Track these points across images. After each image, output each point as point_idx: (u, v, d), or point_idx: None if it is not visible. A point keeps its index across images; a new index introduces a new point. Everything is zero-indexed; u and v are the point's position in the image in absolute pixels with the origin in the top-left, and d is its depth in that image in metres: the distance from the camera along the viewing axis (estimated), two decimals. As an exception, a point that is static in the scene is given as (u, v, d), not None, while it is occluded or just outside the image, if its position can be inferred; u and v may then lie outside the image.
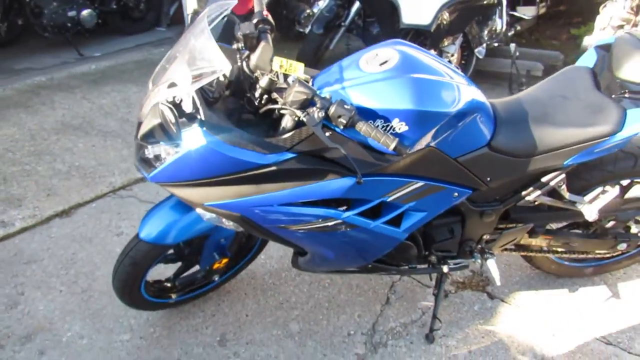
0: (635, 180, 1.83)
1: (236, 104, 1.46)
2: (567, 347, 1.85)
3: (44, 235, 2.55)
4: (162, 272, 2.01)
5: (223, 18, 1.57)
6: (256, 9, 1.58)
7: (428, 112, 1.36)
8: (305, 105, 1.29)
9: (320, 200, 1.44)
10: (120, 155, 3.23)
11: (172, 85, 1.32)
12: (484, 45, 4.10)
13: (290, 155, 1.34)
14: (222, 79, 1.44)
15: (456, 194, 1.58)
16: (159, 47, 5.47)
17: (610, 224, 1.85)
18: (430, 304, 2.04)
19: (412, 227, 1.61)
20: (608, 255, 2.03)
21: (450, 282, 2.16)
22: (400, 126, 1.36)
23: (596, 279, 2.15)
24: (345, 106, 1.25)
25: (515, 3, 4.82)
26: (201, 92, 1.36)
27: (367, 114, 1.34)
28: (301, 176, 1.38)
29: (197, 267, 1.95)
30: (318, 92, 1.31)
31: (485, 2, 3.71)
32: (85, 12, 5.19)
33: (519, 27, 4.82)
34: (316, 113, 1.26)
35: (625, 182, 1.86)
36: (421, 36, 3.81)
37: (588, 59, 1.70)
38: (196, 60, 1.28)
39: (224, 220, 1.50)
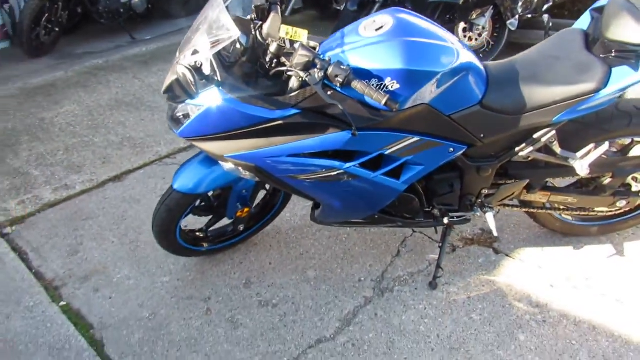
0: (636, 139, 1.91)
1: (252, 68, 1.67)
2: (563, 298, 1.97)
3: (99, 197, 2.89)
4: (195, 223, 2.27)
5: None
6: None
7: (417, 71, 1.51)
8: (308, 67, 1.47)
9: (324, 152, 1.63)
10: (165, 128, 3.53)
11: (195, 52, 1.55)
12: (517, 17, 4.10)
13: (295, 111, 1.54)
14: (238, 46, 1.66)
15: (452, 149, 1.73)
16: (205, 29, 5.76)
17: (608, 181, 1.94)
18: (436, 257, 2.20)
19: (411, 179, 1.77)
20: (613, 214, 2.12)
21: (460, 238, 2.31)
22: (392, 84, 1.52)
23: (603, 238, 2.23)
24: (342, 67, 1.43)
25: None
26: (219, 57, 1.58)
27: (363, 74, 1.51)
28: (305, 130, 1.57)
29: (225, 221, 2.20)
30: (321, 55, 1.49)
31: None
32: (136, -1, 5.55)
33: (556, -1, 4.75)
34: (317, 73, 1.44)
35: (626, 141, 1.95)
36: (452, 9, 3.87)
37: (583, 22, 1.79)
38: (213, 29, 1.50)
39: (241, 170, 1.73)
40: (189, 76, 1.46)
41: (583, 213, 2.07)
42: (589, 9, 1.79)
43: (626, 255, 2.14)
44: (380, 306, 1.99)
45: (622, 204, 1.98)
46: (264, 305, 2.05)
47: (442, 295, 2.02)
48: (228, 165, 1.75)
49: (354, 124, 1.50)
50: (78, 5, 5.64)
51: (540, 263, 2.14)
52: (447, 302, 1.99)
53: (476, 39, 4.17)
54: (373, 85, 1.50)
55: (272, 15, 1.57)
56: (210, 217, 2.18)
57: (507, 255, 2.20)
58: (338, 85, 1.44)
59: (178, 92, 1.44)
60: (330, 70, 1.43)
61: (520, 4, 4.35)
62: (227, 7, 1.72)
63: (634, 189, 1.99)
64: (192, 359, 1.85)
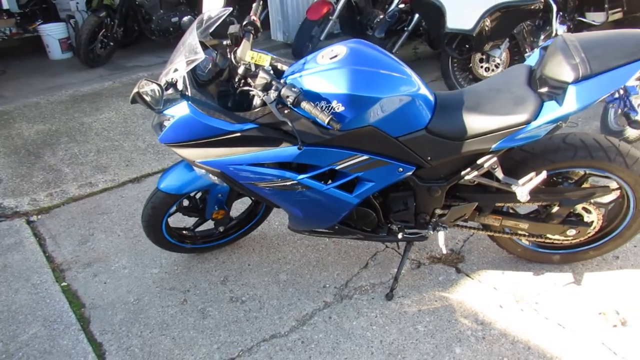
0: (589, 172, 1.98)
1: (225, 87, 1.92)
2: (508, 318, 2.05)
3: (117, 195, 3.22)
4: (188, 222, 2.52)
5: (227, 19, 2.01)
6: (252, 15, 1.98)
7: (359, 96, 1.69)
8: (267, 88, 1.70)
9: (282, 163, 1.84)
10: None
11: (176, 70, 1.81)
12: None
13: (252, 125, 1.76)
14: (213, 67, 1.90)
15: (401, 169, 1.89)
16: (244, 49, 6.14)
17: (556, 209, 2.02)
18: (402, 272, 2.34)
19: (363, 194, 1.94)
20: (573, 244, 2.18)
21: (428, 256, 2.43)
22: (338, 106, 1.71)
23: (566, 266, 2.29)
24: (293, 89, 1.63)
25: (584, 9, 4.78)
26: (193, 75, 1.83)
27: (315, 96, 1.71)
28: (262, 142, 1.78)
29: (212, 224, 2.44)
30: (284, 78, 1.71)
31: (531, 8, 3.80)
32: (185, 19, 6.03)
33: (586, 33, 4.76)
34: (272, 94, 1.66)
35: (579, 173, 2.03)
36: (468, 40, 4.00)
37: (533, 58, 1.91)
38: (186, 51, 1.76)
39: (210, 175, 1.97)
40: (155, 90, 1.71)
41: (539, 240, 2.15)
42: (540, 46, 1.91)
43: (582, 284, 2.19)
44: (335, 311, 2.15)
45: (572, 232, 2.05)
46: (234, 300, 2.26)
47: (394, 306, 2.15)
48: (200, 170, 1.99)
49: (300, 139, 1.70)
50: (134, 23, 6.20)
51: (497, 285, 2.22)
52: (398, 312, 2.12)
53: (492, 70, 4.27)
54: (322, 106, 1.70)
55: (243, 41, 1.81)
56: (197, 217, 2.42)
57: (467, 275, 2.29)
58: (289, 104, 1.65)
59: (140, 103, 1.69)
60: (283, 91, 1.64)
61: (542, 37, 4.42)
62: (211, 32, 1.99)
63: (585, 219, 2.06)
64: (161, 341, 2.07)
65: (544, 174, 1.83)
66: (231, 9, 2.02)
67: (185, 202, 2.34)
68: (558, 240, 2.12)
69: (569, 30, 4.55)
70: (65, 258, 2.63)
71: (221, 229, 2.40)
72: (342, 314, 2.14)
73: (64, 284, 2.44)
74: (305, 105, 1.61)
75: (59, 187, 3.30)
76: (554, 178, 2.08)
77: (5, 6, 6.34)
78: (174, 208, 2.27)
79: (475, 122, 1.78)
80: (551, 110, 1.68)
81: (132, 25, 6.27)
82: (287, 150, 1.78)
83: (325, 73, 1.74)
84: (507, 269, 2.31)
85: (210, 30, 1.92)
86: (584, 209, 2.04)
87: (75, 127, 4.10)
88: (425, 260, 2.41)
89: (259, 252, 2.57)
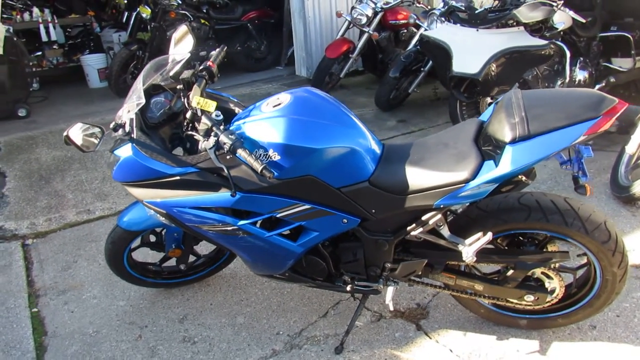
0: (550, 235, 1.86)
1: (176, 129, 1.96)
2: (463, 385, 1.92)
3: (111, 223, 3.29)
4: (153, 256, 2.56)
5: (192, 63, 2.06)
6: (209, 61, 2.03)
7: (294, 146, 1.68)
8: (208, 133, 1.72)
9: (224, 207, 1.84)
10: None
11: (129, 111, 1.87)
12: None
13: (192, 169, 1.77)
14: (167, 110, 1.95)
15: (345, 220, 1.84)
16: (267, 83, 6.29)
17: (510, 272, 1.89)
18: (360, 324, 2.25)
19: (307, 243, 1.91)
20: (539, 309, 2.03)
21: (392, 310, 2.33)
22: (274, 155, 1.70)
23: (534, 333, 2.13)
24: (230, 135, 1.64)
25: (610, 54, 4.59)
26: (143, 117, 1.88)
27: (253, 144, 1.71)
28: (202, 186, 1.79)
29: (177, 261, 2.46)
30: (230, 125, 1.74)
31: (541, 53, 3.68)
32: (213, 52, 6.23)
33: (613, 80, 4.56)
34: (211, 139, 1.68)
35: (540, 235, 1.91)
36: (476, 84, 3.91)
37: (487, 113, 1.83)
38: (134, 95, 1.81)
39: (158, 215, 1.99)
40: (95, 133, 1.77)
41: (500, 302, 2.02)
42: (495, 101, 1.83)
43: (548, 354, 2.02)
44: (281, 360, 2.10)
45: (529, 298, 1.91)
46: (186, 341, 2.25)
47: (342, 361, 2.07)
48: (149, 210, 2.02)
49: (234, 186, 1.70)
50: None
51: (455, 347, 2.10)
52: (344, 368, 2.03)
53: (504, 114, 4.13)
54: (260, 154, 1.70)
55: (194, 87, 1.85)
56: (163, 253, 2.45)
57: (426, 334, 2.18)
58: (225, 150, 1.66)
59: (71, 144, 1.74)
60: (221, 137, 1.65)
61: (559, 83, 4.27)
62: (171, 75, 2.03)
63: (546, 285, 1.91)
64: (104, 377, 2.08)
65: (489, 235, 1.73)
66: (189, 54, 2.05)
67: (152, 238, 2.38)
68: (519, 304, 1.98)
69: (591, 76, 4.38)
70: (44, 283, 2.72)
71: (182, 266, 2.41)
72: (287, 364, 2.08)
73: (34, 309, 2.51)
74: (241, 152, 1.61)
75: (59, 213, 3.44)
76: (520, 238, 1.97)
77: (54, 38, 6.80)
78: (137, 242, 2.30)
79: (417, 177, 1.72)
80: (488, 170, 1.60)
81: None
82: (224, 196, 1.78)
83: (265, 121, 1.74)
84: (470, 330, 2.18)
85: (171, 74, 1.96)
86: (544, 274, 1.90)
87: (88, 155, 4.28)
88: (388, 313, 2.31)
89: (224, 292, 2.55)
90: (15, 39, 5.25)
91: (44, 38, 6.63)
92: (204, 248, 2.56)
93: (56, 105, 5.93)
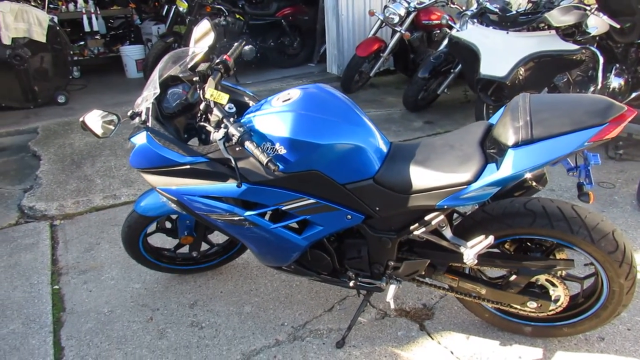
0: (559, 243, 1.83)
1: (191, 119, 2.02)
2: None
3: (135, 209, 3.42)
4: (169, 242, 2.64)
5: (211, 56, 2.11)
6: (226, 54, 2.08)
7: (299, 141, 1.71)
8: (219, 125, 1.77)
9: (233, 198, 1.89)
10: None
11: (147, 100, 1.94)
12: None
13: (202, 159, 1.83)
14: (183, 101, 2.01)
15: (349, 216, 1.87)
16: (298, 79, 6.34)
17: (513, 278, 1.87)
18: (364, 321, 2.27)
19: (312, 237, 1.94)
20: (544, 317, 2.00)
21: (397, 308, 2.34)
22: (280, 149, 1.74)
23: (539, 341, 2.10)
24: (239, 128, 1.69)
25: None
26: (159, 107, 1.95)
27: (261, 137, 1.76)
28: (211, 176, 1.85)
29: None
30: (241, 117, 1.79)
31: (572, 58, 3.59)
32: (246, 48, 6.33)
33: (648, 87, 4.41)
34: (221, 131, 1.74)
35: (547, 242, 1.88)
36: (503, 88, 3.85)
37: (496, 116, 1.81)
38: (150, 85, 1.88)
39: (169, 202, 2.06)
40: (112, 120, 1.85)
41: (504, 308, 2.00)
42: (505, 105, 1.81)
43: (550, 364, 2.00)
44: (282, 351, 2.13)
45: (532, 305, 1.89)
46: (193, 325, 2.32)
47: (342, 355, 2.09)
48: (162, 197, 2.09)
49: (240, 178, 1.75)
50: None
51: (455, 349, 2.09)
52: (343, 362, 2.06)
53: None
54: (267, 147, 1.74)
55: (209, 79, 1.90)
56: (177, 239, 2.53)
57: (429, 334, 2.18)
58: (233, 142, 1.71)
59: (87, 130, 1.83)
60: (230, 129, 1.70)
61: (591, 89, 4.15)
62: (189, 67, 2.09)
63: (550, 292, 1.88)
64: (114, 354, 2.17)
65: (490, 239, 1.71)
66: (207, 48, 2.10)
67: (168, 224, 2.46)
68: (523, 310, 1.96)
69: (627, 83, 4.24)
70: (67, 263, 2.84)
71: (194, 254, 2.48)
72: (288, 355, 2.11)
73: (56, 287, 2.64)
74: (248, 144, 1.66)
75: (86, 196, 3.58)
76: (528, 244, 1.94)
77: (96, 28, 7.05)
78: (153, 228, 2.39)
79: (420, 177, 1.72)
80: (490, 173, 1.59)
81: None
82: (232, 187, 1.83)
83: (273, 115, 1.78)
84: (473, 334, 2.17)
85: (189, 66, 2.02)
86: (549, 281, 1.87)
87: (119, 143, 4.43)
88: (393, 311, 2.32)
89: (235, 281, 2.61)
90: (58, 28, 5.47)
91: (87, 28, 6.88)
92: (218, 238, 2.63)
93: (94, 93, 6.15)
